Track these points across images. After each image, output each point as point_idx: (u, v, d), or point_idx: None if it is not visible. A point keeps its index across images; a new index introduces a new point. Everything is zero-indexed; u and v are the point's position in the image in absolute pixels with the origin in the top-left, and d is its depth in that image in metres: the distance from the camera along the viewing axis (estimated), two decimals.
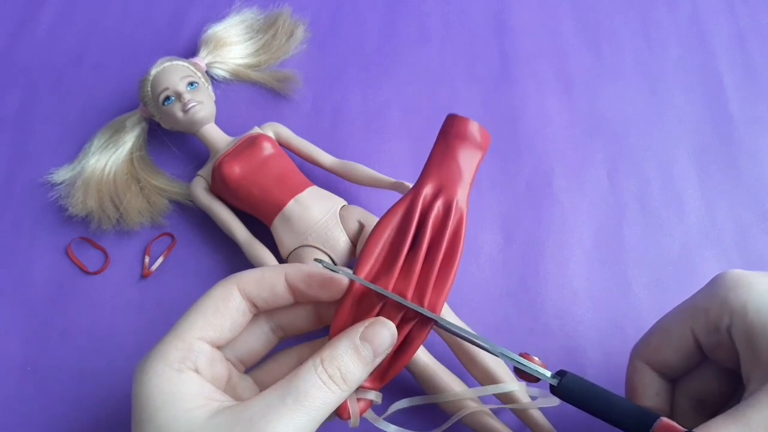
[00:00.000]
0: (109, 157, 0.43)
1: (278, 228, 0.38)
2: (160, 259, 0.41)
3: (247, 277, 0.28)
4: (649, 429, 0.25)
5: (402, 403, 0.32)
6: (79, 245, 0.42)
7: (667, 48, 0.49)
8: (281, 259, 0.39)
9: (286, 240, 0.38)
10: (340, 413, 0.27)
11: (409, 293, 0.28)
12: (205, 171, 0.41)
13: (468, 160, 0.30)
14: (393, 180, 0.40)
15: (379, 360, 0.27)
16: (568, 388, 0.28)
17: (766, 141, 0.45)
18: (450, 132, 0.30)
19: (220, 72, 0.47)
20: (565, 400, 0.28)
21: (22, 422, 0.37)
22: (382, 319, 0.27)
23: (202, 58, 0.46)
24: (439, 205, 0.29)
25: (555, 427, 0.34)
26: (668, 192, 0.43)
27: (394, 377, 0.28)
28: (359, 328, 0.27)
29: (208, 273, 0.41)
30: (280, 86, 0.47)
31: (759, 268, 0.33)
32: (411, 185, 0.37)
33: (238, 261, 0.40)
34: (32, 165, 0.45)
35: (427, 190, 0.30)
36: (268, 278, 0.28)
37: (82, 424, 0.37)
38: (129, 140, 0.44)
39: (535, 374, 0.28)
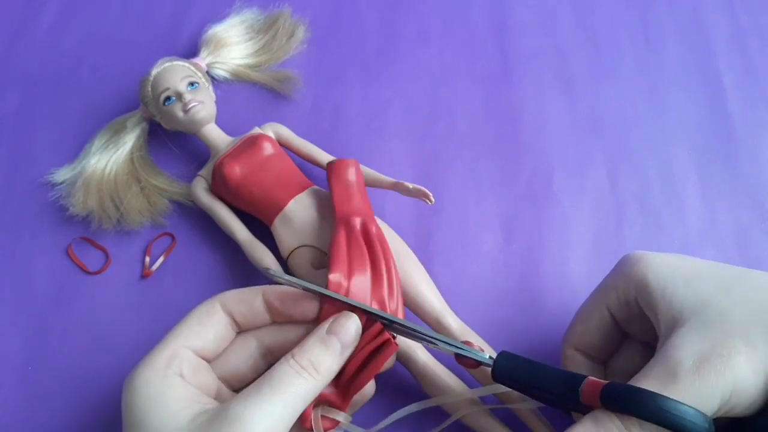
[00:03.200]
0: (110, 157, 0.43)
1: (278, 228, 0.38)
2: (161, 259, 0.41)
3: (228, 294, 0.30)
4: (578, 389, 0.27)
5: (400, 413, 0.33)
6: (79, 245, 0.42)
7: (667, 48, 0.49)
8: (281, 260, 0.39)
9: (286, 240, 0.38)
10: (302, 421, 0.29)
11: (386, 300, 0.33)
12: (206, 171, 0.42)
13: (361, 190, 0.38)
14: (393, 180, 0.40)
15: (348, 351, 0.29)
16: (502, 365, 0.29)
17: (765, 141, 0.45)
18: (339, 173, 0.38)
19: (220, 72, 0.47)
20: (501, 382, 0.30)
21: (22, 422, 0.37)
22: (346, 312, 0.29)
23: (203, 59, 0.46)
24: (355, 222, 0.36)
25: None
26: (668, 192, 0.43)
27: (357, 391, 0.30)
28: (326, 323, 0.29)
29: (208, 273, 0.41)
30: (280, 86, 0.47)
31: (758, 267, 0.33)
32: (411, 185, 0.38)
33: (238, 261, 0.40)
34: (32, 165, 0.45)
35: (354, 222, 0.35)
36: (247, 295, 0.30)
37: (82, 423, 0.37)
38: (129, 140, 0.44)
39: (474, 358, 0.30)
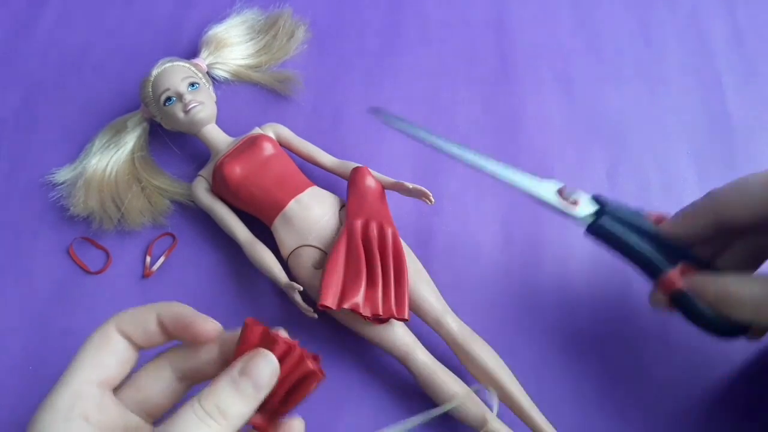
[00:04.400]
0: (111, 158, 0.43)
1: (279, 228, 0.38)
2: (162, 259, 0.41)
3: (121, 315, 0.28)
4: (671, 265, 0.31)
5: (396, 427, 0.31)
6: (80, 245, 0.42)
7: (667, 48, 0.49)
8: (282, 259, 0.39)
9: (286, 240, 0.38)
10: None
11: (378, 299, 0.35)
12: (206, 171, 0.42)
13: (376, 196, 0.39)
14: (393, 180, 0.40)
15: (262, 394, 0.26)
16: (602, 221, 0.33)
17: (765, 141, 0.45)
18: (356, 179, 0.39)
19: (221, 73, 0.47)
20: (595, 234, 0.34)
21: (22, 422, 0.37)
22: (262, 351, 0.26)
23: (203, 59, 0.46)
24: (373, 229, 0.36)
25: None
26: (668, 192, 0.43)
27: (283, 417, 0.27)
28: (239, 362, 0.26)
29: (209, 273, 0.41)
30: (280, 87, 0.47)
31: None
32: (411, 185, 0.38)
33: (238, 261, 0.40)
34: (33, 165, 0.45)
35: (358, 224, 0.37)
36: (141, 315, 0.28)
37: None
38: (130, 141, 0.44)
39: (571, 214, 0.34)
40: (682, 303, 0.32)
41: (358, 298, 0.35)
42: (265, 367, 0.26)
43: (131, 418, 0.27)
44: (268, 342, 0.26)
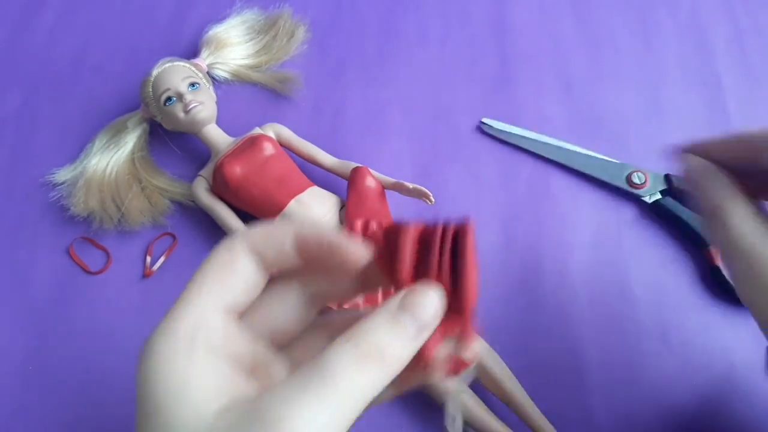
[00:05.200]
0: (111, 158, 0.43)
1: None
2: (162, 259, 0.41)
3: (253, 232, 0.24)
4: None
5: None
6: (80, 245, 0.42)
7: (667, 48, 0.49)
8: None
9: None
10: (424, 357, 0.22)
11: (379, 298, 0.34)
12: (207, 171, 0.42)
13: (376, 196, 0.40)
14: (393, 180, 0.40)
15: (425, 335, 0.22)
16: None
17: None
18: (356, 180, 0.40)
19: (221, 73, 0.47)
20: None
21: (22, 422, 0.37)
22: (424, 286, 0.22)
23: (203, 59, 0.46)
24: (373, 228, 0.36)
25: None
26: None
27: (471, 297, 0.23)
28: (397, 296, 0.22)
29: None
30: (280, 87, 0.47)
31: None
32: (411, 185, 0.38)
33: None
34: (34, 165, 0.45)
35: (358, 224, 0.37)
36: (275, 233, 0.23)
37: (83, 424, 0.37)
38: (130, 141, 0.44)
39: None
40: (719, 278, 0.38)
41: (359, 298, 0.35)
42: (429, 304, 0.22)
43: (259, 348, 0.23)
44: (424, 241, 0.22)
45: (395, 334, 0.21)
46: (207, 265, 0.23)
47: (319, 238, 0.23)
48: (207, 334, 0.22)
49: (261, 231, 0.24)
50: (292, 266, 0.24)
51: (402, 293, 0.22)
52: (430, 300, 0.22)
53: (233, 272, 0.23)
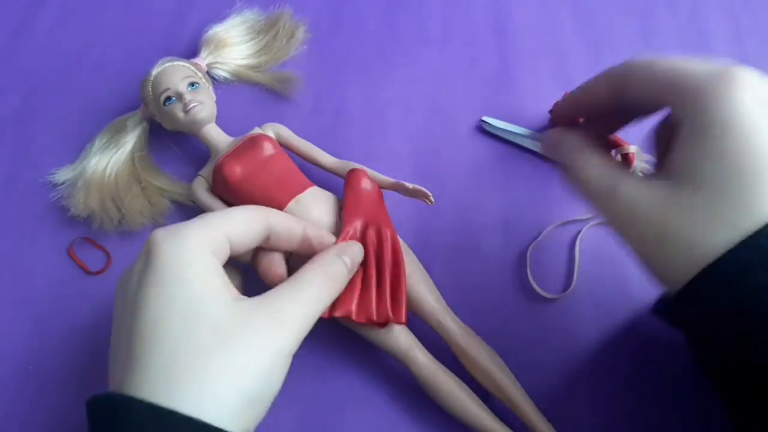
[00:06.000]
0: (111, 158, 0.43)
1: None
2: None
3: (275, 212, 0.32)
4: None
5: None
6: (80, 245, 0.42)
7: (667, 48, 0.49)
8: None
9: None
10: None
11: (372, 304, 0.34)
12: (206, 171, 0.42)
13: (373, 198, 0.39)
14: (393, 180, 0.40)
15: (351, 274, 0.33)
16: None
17: None
18: (352, 182, 0.39)
19: (220, 73, 0.47)
20: None
21: (23, 422, 0.37)
22: (353, 242, 0.35)
23: (203, 59, 0.46)
24: (371, 233, 0.36)
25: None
26: None
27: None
28: (337, 246, 0.33)
29: None
30: (280, 87, 0.47)
31: None
32: (410, 185, 0.38)
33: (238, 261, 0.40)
34: (33, 165, 0.45)
35: (356, 226, 0.36)
36: (292, 223, 0.33)
37: (83, 423, 0.37)
38: (130, 140, 0.44)
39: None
40: None
41: (352, 305, 0.34)
42: (357, 251, 0.34)
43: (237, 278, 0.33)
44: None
45: (339, 265, 0.32)
46: (234, 210, 0.31)
47: (316, 239, 0.34)
48: (220, 250, 0.29)
49: (281, 216, 0.33)
50: (287, 248, 0.33)
51: (340, 245, 0.34)
52: (357, 250, 0.34)
53: (250, 229, 0.30)
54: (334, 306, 0.34)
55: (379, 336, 0.36)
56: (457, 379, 0.35)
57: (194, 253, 0.27)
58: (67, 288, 0.41)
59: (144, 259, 0.28)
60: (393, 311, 0.35)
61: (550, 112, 0.44)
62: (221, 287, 0.27)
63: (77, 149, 0.45)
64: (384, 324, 0.35)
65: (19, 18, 0.52)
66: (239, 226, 0.30)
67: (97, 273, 0.41)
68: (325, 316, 0.33)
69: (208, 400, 0.24)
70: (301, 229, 0.33)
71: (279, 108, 0.47)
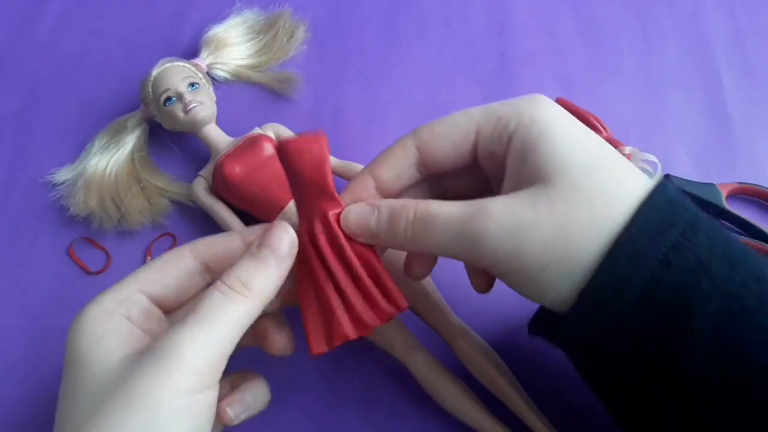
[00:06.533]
0: (111, 158, 0.43)
1: None
2: None
3: (201, 240, 0.28)
4: None
5: None
6: (80, 245, 0.42)
7: (667, 48, 0.49)
8: None
9: None
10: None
11: (363, 312, 0.28)
12: (206, 171, 0.42)
13: (314, 172, 0.28)
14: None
15: (284, 265, 0.26)
16: None
17: (765, 141, 0.45)
18: (285, 161, 0.29)
19: (220, 73, 0.47)
20: None
21: (22, 422, 0.37)
22: (279, 222, 0.27)
23: (203, 59, 0.46)
24: (319, 228, 0.28)
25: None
26: None
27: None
28: (258, 238, 0.27)
29: None
30: (280, 87, 0.47)
31: None
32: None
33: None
34: (33, 165, 0.45)
35: (303, 233, 0.28)
36: (223, 239, 0.28)
37: None
38: (130, 141, 0.44)
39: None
40: None
41: (344, 327, 0.28)
42: (284, 237, 0.26)
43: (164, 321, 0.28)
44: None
45: (257, 267, 0.25)
46: (152, 260, 0.28)
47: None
48: (129, 308, 0.26)
49: (208, 240, 0.28)
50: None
51: (261, 233, 0.27)
52: (284, 235, 0.26)
53: (171, 273, 0.27)
54: (330, 336, 0.28)
55: (380, 337, 0.36)
56: (457, 379, 0.35)
57: (87, 325, 0.25)
58: (67, 288, 0.41)
59: None
60: (390, 304, 0.29)
61: None
62: (109, 351, 0.24)
63: (77, 149, 0.45)
64: (390, 319, 0.29)
65: (19, 18, 0.52)
66: (153, 274, 0.27)
67: (97, 273, 0.41)
68: (322, 350, 0.28)
69: None
70: (238, 240, 0.28)
71: (279, 108, 0.47)
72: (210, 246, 0.28)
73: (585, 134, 0.27)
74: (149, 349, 0.24)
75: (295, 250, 0.26)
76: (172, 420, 0.22)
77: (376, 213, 0.27)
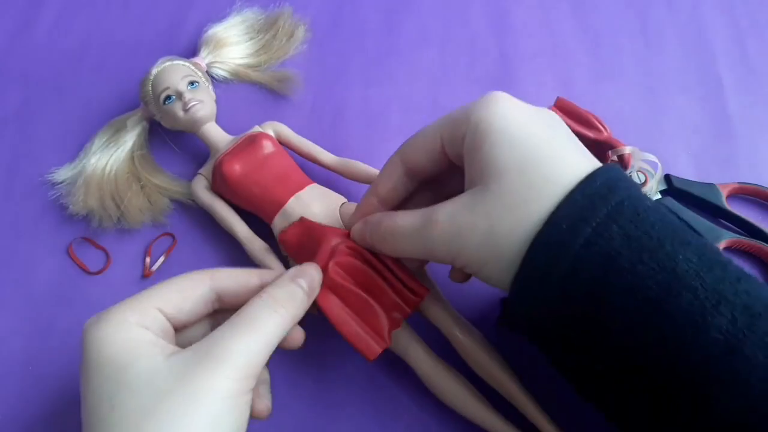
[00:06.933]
0: (110, 156, 0.43)
1: (279, 225, 0.38)
2: (161, 259, 0.41)
3: (221, 271, 0.30)
4: None
5: None
6: (80, 245, 0.42)
7: (667, 48, 0.49)
8: (282, 257, 0.39)
9: None
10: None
11: (395, 301, 0.33)
12: (206, 170, 0.42)
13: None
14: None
15: (310, 299, 0.30)
16: None
17: (765, 141, 0.45)
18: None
19: (220, 72, 0.47)
20: None
21: (22, 422, 0.37)
22: (309, 263, 0.31)
23: (203, 58, 0.46)
24: (342, 251, 0.33)
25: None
26: None
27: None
28: (292, 270, 0.30)
29: None
30: (280, 86, 0.47)
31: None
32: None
33: (239, 260, 0.40)
34: (33, 164, 0.45)
35: (324, 263, 0.33)
36: (242, 276, 0.30)
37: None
38: (130, 139, 0.44)
39: None
40: None
41: (391, 321, 0.33)
42: (314, 273, 0.31)
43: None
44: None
45: (293, 291, 0.29)
46: (171, 280, 0.29)
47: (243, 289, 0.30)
48: (150, 324, 0.27)
49: (228, 272, 0.30)
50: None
51: (295, 268, 0.30)
52: (314, 272, 0.31)
53: (188, 297, 0.28)
54: (381, 335, 0.32)
55: None
56: (458, 374, 0.35)
57: (116, 331, 0.26)
58: (67, 288, 0.41)
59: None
60: (416, 292, 0.33)
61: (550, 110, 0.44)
62: (150, 352, 0.25)
63: (77, 148, 0.45)
64: (417, 306, 0.34)
65: (18, 18, 0.52)
66: (171, 294, 0.28)
67: (97, 273, 0.41)
68: (378, 352, 0.32)
69: None
70: (257, 278, 0.30)
71: (279, 107, 0.47)
72: (229, 278, 0.29)
73: (525, 131, 0.28)
74: (201, 351, 0.25)
75: (318, 289, 0.31)
76: (226, 417, 0.24)
77: (366, 228, 0.32)
